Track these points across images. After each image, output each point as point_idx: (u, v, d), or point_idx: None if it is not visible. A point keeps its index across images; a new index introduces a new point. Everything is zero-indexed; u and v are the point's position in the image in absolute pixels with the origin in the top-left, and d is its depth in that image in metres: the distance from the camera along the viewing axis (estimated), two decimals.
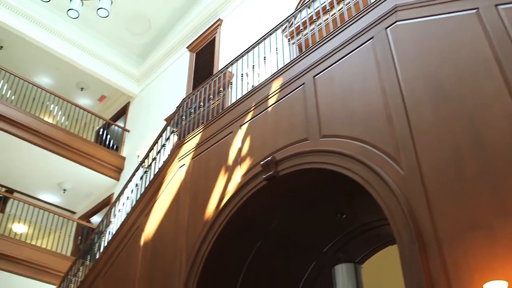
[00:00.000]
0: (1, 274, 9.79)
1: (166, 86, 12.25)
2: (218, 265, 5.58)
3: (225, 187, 5.72)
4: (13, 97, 11.58)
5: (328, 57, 5.30)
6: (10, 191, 12.10)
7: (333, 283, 5.60)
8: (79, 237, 11.54)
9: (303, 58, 5.64)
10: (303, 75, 5.50)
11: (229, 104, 6.66)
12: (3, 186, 12.13)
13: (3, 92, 11.54)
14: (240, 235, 5.61)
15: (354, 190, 4.82)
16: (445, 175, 3.73)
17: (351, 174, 4.44)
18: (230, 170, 5.77)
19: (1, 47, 12.43)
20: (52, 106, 12.54)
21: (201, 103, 7.51)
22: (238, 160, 5.73)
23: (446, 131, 3.88)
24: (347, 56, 5.11)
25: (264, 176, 5.18)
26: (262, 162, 5.22)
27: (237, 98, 6.45)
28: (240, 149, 5.79)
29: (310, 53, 5.58)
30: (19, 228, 12.20)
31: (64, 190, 11.99)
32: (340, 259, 5.68)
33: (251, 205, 5.41)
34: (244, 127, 5.93)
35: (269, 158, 5.18)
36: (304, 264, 6.27)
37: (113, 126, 13.31)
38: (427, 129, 4.01)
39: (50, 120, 12.22)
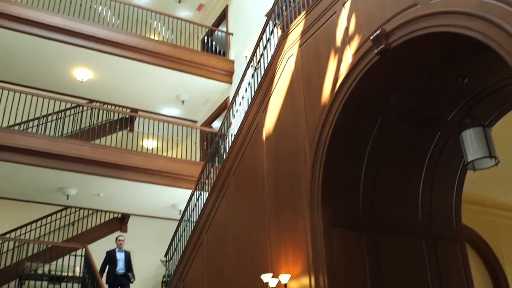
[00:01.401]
0: (142, 185, 10.65)
1: None
2: (341, 146, 5.63)
3: (337, 69, 5.63)
4: (118, 22, 11.97)
5: None
6: (135, 110, 12.85)
7: (462, 150, 5.46)
8: (205, 143, 12.12)
9: None
10: None
11: None
12: (128, 107, 12.90)
13: (109, 19, 11.96)
14: (359, 114, 5.57)
15: (475, 50, 4.55)
16: None
17: (470, 32, 4.15)
18: (340, 51, 5.64)
19: None
20: (155, 23, 12.84)
21: None
22: (347, 40, 5.57)
23: None
24: None
25: (375, 51, 5.01)
26: (371, 37, 5.03)
27: None
28: (347, 28, 5.61)
29: None
30: (149, 144, 13.04)
31: (183, 101, 12.49)
32: (467, 125, 5.48)
33: (366, 83, 5.30)
34: (347, 4, 5.69)
35: (378, 32, 4.97)
36: (429, 135, 6.15)
37: (216, 32, 13.42)
38: None
39: (156, 38, 12.56)
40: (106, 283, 8.92)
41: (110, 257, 9.23)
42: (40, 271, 10.46)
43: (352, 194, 5.87)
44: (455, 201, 6.74)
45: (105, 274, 9.13)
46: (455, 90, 5.57)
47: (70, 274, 10.54)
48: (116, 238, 9.57)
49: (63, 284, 10.28)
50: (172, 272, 9.95)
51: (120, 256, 9.27)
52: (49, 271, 10.43)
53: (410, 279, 6.01)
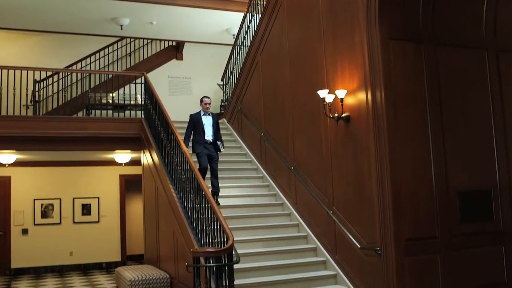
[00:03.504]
0: (194, 11, 10.48)
1: None
2: None
3: None
4: None
5: None
6: None
7: None
8: None
9: None
10: None
11: None
12: None
13: None
14: None
15: None
16: None
17: None
18: None
19: None
20: None
21: None
22: None
23: None
24: None
25: None
26: None
27: None
28: None
29: None
30: None
31: None
32: None
33: None
34: None
35: None
36: None
37: None
38: None
39: None
40: (193, 152, 7.55)
41: (195, 122, 7.66)
42: (104, 101, 10.91)
43: (412, 4, 5.57)
44: None
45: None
46: None
47: (132, 102, 10.97)
48: (201, 100, 7.88)
49: (127, 112, 10.73)
50: (230, 95, 10.18)
51: (207, 120, 7.71)
52: (112, 100, 10.86)
53: (470, 91, 5.91)
